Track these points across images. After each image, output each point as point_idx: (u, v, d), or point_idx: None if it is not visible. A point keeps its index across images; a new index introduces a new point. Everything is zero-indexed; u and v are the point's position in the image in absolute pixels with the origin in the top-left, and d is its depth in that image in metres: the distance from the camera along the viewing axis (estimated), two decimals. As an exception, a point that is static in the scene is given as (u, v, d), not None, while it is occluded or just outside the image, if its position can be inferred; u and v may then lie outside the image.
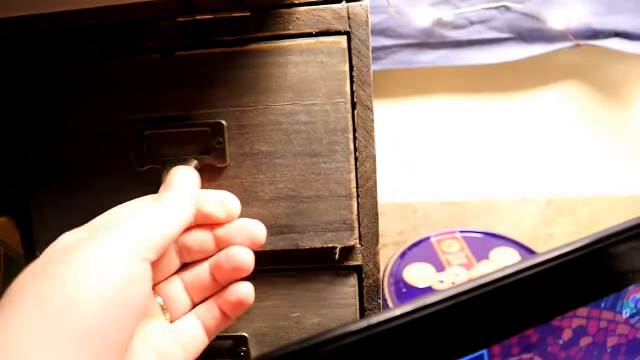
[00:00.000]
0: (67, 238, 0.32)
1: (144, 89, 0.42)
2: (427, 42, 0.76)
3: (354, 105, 0.42)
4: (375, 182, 0.43)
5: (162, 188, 0.37)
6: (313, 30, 0.41)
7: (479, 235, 0.85)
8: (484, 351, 0.27)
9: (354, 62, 0.41)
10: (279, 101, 0.42)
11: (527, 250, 0.80)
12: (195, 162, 0.41)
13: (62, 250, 0.30)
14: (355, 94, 0.42)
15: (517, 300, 0.28)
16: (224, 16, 0.42)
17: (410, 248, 0.83)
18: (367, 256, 0.45)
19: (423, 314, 0.26)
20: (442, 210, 0.95)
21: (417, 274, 0.77)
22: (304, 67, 0.41)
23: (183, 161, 0.41)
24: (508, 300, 0.27)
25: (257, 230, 0.38)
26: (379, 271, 0.45)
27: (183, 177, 0.37)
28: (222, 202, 0.39)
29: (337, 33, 0.41)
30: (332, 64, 0.41)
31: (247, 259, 0.37)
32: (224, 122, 0.42)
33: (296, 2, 0.41)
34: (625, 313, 0.31)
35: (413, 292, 0.74)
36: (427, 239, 0.85)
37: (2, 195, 0.48)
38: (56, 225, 0.43)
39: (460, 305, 0.26)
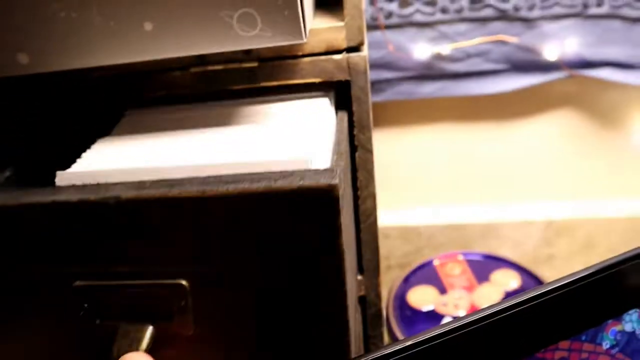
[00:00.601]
0: None
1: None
2: (427, 74, 0.80)
3: (354, 149, 0.45)
4: (375, 219, 0.46)
5: None
6: (316, 80, 0.45)
7: (480, 258, 0.88)
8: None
9: (354, 109, 0.45)
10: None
11: (527, 273, 0.83)
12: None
13: None
14: (355, 138, 0.45)
15: (504, 335, 0.31)
16: (234, 67, 0.45)
17: (414, 271, 0.86)
18: (369, 287, 0.47)
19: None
20: (445, 233, 0.97)
21: (421, 297, 0.79)
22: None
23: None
24: (494, 336, 0.30)
25: None
26: (380, 301, 0.48)
27: None
28: None
29: (339, 84, 0.45)
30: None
31: None
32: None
33: (299, 54, 0.45)
34: (605, 345, 0.34)
35: (417, 315, 0.76)
36: (430, 262, 0.88)
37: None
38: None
39: (453, 340, 0.29)
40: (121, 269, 0.35)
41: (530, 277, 0.82)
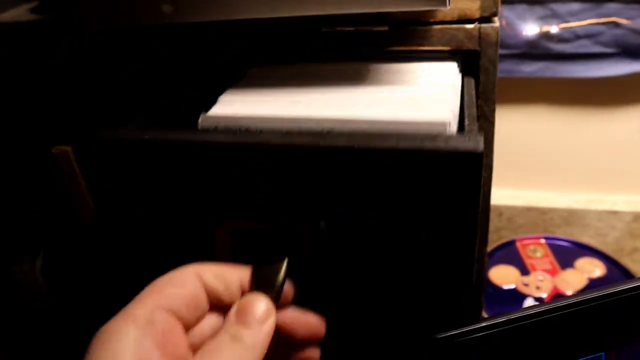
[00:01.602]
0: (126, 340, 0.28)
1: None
2: (531, 52, 0.78)
3: (477, 118, 0.45)
4: (489, 189, 0.47)
5: (239, 317, 0.31)
6: (445, 48, 0.45)
7: (565, 243, 0.87)
8: (602, 354, 0.31)
9: (481, 79, 0.45)
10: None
11: (613, 263, 0.82)
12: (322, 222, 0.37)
13: None
14: (479, 108, 0.45)
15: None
16: (365, 29, 0.46)
17: (495, 250, 0.86)
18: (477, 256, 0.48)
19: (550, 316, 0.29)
20: (527, 216, 0.97)
21: (503, 276, 0.80)
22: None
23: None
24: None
25: (318, 326, 0.35)
26: (484, 271, 0.49)
27: (264, 315, 0.31)
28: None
29: (468, 53, 0.45)
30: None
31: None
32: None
33: (431, 20, 0.45)
34: None
35: (498, 292, 0.77)
36: (512, 242, 0.87)
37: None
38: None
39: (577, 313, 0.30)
40: (262, 209, 0.37)
41: (616, 267, 0.81)
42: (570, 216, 0.96)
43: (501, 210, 0.97)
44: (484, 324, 0.28)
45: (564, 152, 0.92)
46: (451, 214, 0.34)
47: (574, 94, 0.86)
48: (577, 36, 0.76)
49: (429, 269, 0.37)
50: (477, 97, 0.45)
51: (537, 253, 0.85)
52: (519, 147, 0.93)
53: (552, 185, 0.97)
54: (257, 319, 0.31)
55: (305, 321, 0.34)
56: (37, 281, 0.56)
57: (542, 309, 0.29)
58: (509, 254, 0.85)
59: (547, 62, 0.79)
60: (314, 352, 0.35)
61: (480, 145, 0.32)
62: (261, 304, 0.31)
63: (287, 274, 0.33)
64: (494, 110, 0.45)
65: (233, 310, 0.31)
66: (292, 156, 0.34)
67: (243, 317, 0.31)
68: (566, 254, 0.84)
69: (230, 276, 0.32)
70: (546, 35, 0.77)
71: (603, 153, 0.91)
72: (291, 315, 0.34)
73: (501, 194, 0.97)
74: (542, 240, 0.88)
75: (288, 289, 0.34)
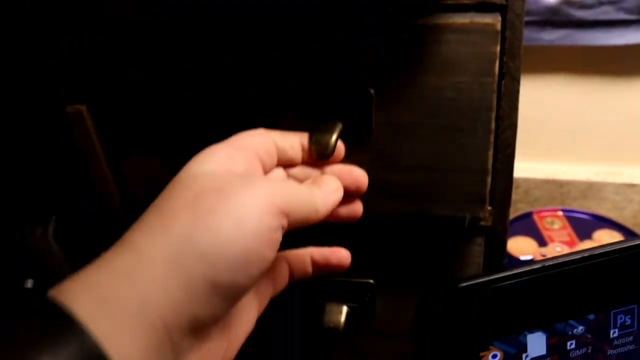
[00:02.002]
0: (213, 165, 0.31)
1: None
2: (552, 20, 0.77)
3: (502, 76, 0.44)
4: (513, 150, 0.46)
5: (314, 182, 0.37)
6: (471, 2, 0.44)
7: (582, 215, 0.86)
8: (635, 306, 0.30)
9: (506, 35, 0.44)
10: (427, 76, 0.45)
11: (632, 235, 0.81)
12: (339, 126, 0.42)
13: (215, 188, 0.29)
14: (505, 65, 0.44)
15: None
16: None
17: (512, 222, 0.85)
18: (497, 219, 0.47)
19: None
20: (544, 188, 0.96)
21: (520, 247, 0.79)
22: (456, 46, 0.44)
23: (326, 124, 0.42)
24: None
25: (361, 176, 0.40)
26: (506, 234, 0.48)
27: (335, 188, 0.37)
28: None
29: (493, 7, 0.44)
30: (484, 44, 0.43)
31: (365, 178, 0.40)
32: (371, 91, 0.44)
33: (458, -27, 0.44)
34: None
35: (515, 263, 0.76)
36: (530, 214, 0.86)
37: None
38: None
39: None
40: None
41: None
42: (588, 189, 0.95)
43: (518, 182, 0.96)
44: (515, 271, 0.27)
45: (583, 124, 0.91)
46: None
47: (595, 63, 0.84)
48: (599, 2, 0.75)
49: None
50: (503, 54, 0.44)
51: (554, 225, 0.84)
52: (537, 118, 0.91)
53: (570, 157, 0.95)
54: (329, 190, 0.36)
55: (350, 173, 0.40)
56: (51, 247, 0.56)
57: (576, 257, 0.28)
58: (527, 225, 0.84)
59: (568, 29, 0.78)
60: (358, 206, 0.41)
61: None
62: (335, 181, 0.38)
63: (340, 137, 0.40)
64: (519, 68, 0.44)
65: (309, 180, 0.37)
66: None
67: (318, 183, 0.36)
68: (584, 226, 0.83)
69: (292, 137, 0.38)
70: (568, 2, 0.75)
71: (622, 125, 0.90)
72: (339, 168, 0.40)
73: (518, 167, 0.95)
74: (560, 213, 0.87)
75: (339, 148, 0.40)
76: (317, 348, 0.53)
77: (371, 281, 0.51)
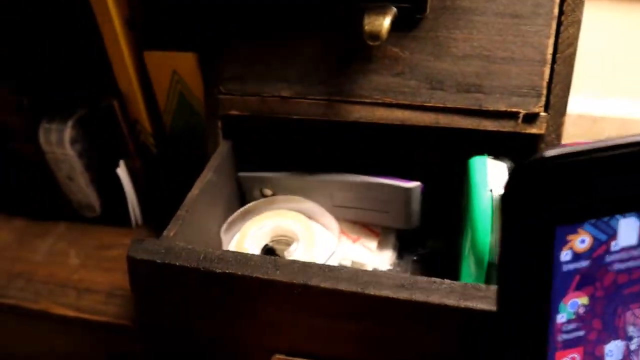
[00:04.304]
0: None
1: None
2: None
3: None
4: (575, 50, 0.42)
5: None
6: None
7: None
8: None
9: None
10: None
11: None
12: (393, 10, 0.41)
13: None
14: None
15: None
16: None
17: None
18: (551, 126, 0.44)
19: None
20: (577, 123, 0.91)
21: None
22: None
23: (381, 7, 0.40)
24: None
25: None
26: (560, 143, 0.44)
27: None
28: None
29: None
30: None
31: None
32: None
33: None
34: None
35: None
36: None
37: (191, 30, 0.48)
38: (243, 64, 0.45)
39: None
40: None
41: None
42: (623, 126, 0.90)
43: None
44: (611, 143, 0.24)
45: (618, 56, 0.86)
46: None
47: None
48: None
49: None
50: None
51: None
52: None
53: (603, 91, 0.91)
54: None
55: None
56: (66, 148, 0.52)
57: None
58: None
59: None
60: None
61: None
62: None
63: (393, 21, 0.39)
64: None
65: None
66: None
67: None
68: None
69: None
70: None
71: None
72: None
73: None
74: (594, 147, 0.83)
75: None
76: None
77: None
